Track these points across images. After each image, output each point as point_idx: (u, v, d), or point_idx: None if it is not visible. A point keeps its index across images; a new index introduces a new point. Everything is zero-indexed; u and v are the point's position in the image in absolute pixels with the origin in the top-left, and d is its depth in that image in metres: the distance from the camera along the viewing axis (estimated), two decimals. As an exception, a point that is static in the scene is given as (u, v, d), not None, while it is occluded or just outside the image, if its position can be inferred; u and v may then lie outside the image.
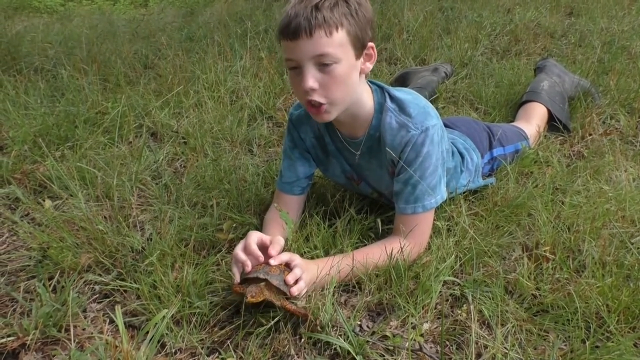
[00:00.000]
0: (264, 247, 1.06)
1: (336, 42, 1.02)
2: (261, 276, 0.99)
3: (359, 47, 1.07)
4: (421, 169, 1.15)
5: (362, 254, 1.12)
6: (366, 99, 1.17)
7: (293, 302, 1.01)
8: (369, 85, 1.20)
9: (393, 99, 1.17)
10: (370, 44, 1.09)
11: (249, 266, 1.02)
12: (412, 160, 1.14)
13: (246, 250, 1.05)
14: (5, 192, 1.57)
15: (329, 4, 1.01)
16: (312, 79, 1.04)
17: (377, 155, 1.23)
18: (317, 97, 1.07)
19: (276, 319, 1.02)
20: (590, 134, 1.80)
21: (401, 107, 1.16)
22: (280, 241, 1.09)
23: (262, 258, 1.03)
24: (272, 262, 1.02)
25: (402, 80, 2.26)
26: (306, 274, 1.04)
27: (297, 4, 1.02)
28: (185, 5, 4.79)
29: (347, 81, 1.07)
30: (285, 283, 1.00)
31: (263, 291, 0.99)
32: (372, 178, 1.31)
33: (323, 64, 1.03)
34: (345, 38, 1.03)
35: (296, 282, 1.01)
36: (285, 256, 1.05)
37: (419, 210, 1.17)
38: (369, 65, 1.12)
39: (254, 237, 1.07)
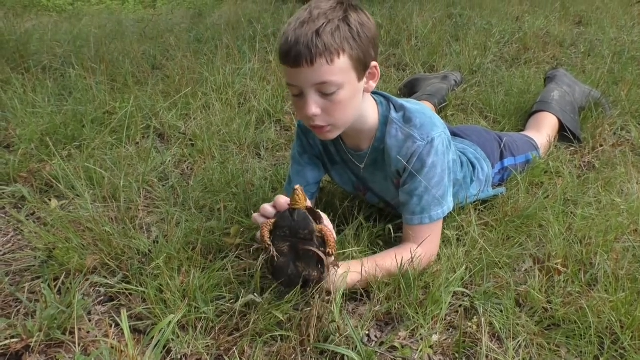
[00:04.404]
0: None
1: (338, 69, 1.00)
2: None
3: (362, 70, 1.05)
4: (426, 179, 1.13)
5: (372, 262, 1.11)
6: (370, 113, 1.16)
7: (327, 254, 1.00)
8: (374, 98, 1.18)
9: (398, 110, 1.16)
10: (374, 63, 1.08)
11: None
12: (417, 171, 1.13)
13: (262, 211, 1.04)
14: (11, 191, 1.56)
15: (331, 29, 0.98)
16: (314, 105, 1.04)
17: (382, 167, 1.22)
18: (319, 122, 1.07)
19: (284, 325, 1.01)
20: (601, 145, 1.78)
21: (407, 117, 1.14)
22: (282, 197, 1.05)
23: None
24: None
25: (411, 87, 2.25)
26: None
27: (297, 28, 0.99)
28: (193, 6, 4.80)
29: (350, 104, 1.07)
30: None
31: None
32: (378, 189, 1.30)
33: (325, 91, 1.02)
34: (348, 63, 1.01)
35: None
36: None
37: (425, 221, 1.16)
38: (373, 84, 1.11)
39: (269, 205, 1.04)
